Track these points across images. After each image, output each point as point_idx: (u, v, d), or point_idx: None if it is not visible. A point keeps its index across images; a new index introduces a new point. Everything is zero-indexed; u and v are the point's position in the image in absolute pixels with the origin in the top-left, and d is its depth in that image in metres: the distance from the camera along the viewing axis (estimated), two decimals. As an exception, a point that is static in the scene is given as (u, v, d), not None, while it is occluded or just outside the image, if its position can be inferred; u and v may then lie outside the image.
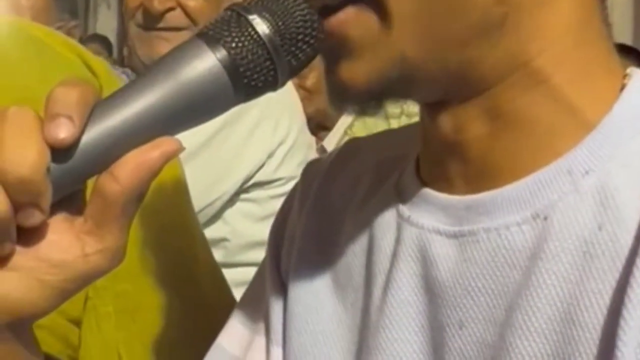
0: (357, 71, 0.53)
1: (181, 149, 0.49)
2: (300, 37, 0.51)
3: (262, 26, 0.51)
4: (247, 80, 0.50)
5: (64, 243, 0.49)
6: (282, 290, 0.68)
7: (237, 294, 1.19)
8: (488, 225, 0.54)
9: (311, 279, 0.65)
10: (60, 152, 0.47)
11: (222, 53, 0.50)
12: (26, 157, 0.46)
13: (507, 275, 0.53)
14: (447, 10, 0.52)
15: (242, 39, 0.50)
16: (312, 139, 2.83)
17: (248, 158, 1.47)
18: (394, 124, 2.24)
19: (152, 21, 1.54)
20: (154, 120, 0.49)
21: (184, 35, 1.54)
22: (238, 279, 1.49)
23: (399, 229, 0.59)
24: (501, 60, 0.53)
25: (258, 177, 1.49)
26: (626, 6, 4.65)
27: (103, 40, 5.87)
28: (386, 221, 0.60)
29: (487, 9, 0.52)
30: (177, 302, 0.85)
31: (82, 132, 0.48)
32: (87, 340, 0.79)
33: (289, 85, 1.74)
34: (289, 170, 1.50)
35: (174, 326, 0.85)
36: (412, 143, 0.62)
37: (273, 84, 0.52)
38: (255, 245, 1.48)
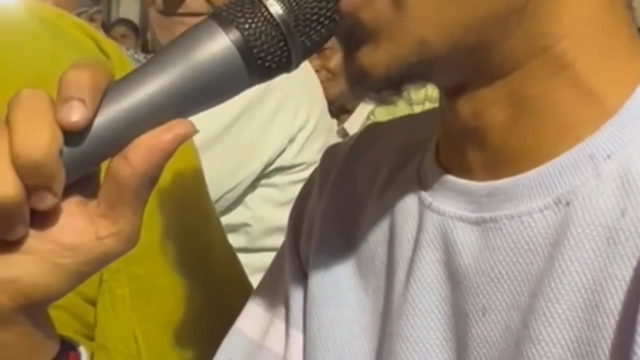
0: (376, 57, 0.53)
1: (194, 131, 0.49)
2: (314, 17, 0.51)
3: (275, 7, 0.50)
4: (260, 61, 0.50)
5: (78, 226, 0.49)
6: (302, 276, 0.68)
7: (259, 279, 1.20)
8: (510, 212, 0.54)
9: (332, 264, 0.65)
10: (72, 135, 0.47)
11: (235, 34, 0.49)
12: (38, 140, 0.46)
13: (530, 262, 0.53)
14: None
15: (256, 20, 0.50)
16: (333, 122, 2.83)
17: (269, 143, 1.47)
18: (418, 109, 2.23)
19: (172, 7, 1.54)
20: (166, 103, 0.49)
21: (204, 21, 1.53)
22: (260, 264, 1.49)
23: (420, 216, 0.59)
24: (522, 44, 0.53)
25: (279, 162, 1.48)
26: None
27: (130, 24, 5.89)
28: (407, 207, 0.60)
29: None
30: (192, 283, 0.86)
31: (94, 115, 0.48)
32: (103, 321, 0.80)
33: (309, 69, 1.74)
34: (309, 156, 1.50)
35: (189, 307, 0.85)
36: (432, 128, 0.62)
37: (287, 65, 0.51)
38: (276, 230, 1.48)
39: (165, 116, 0.49)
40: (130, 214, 0.49)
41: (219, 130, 1.43)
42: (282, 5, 0.50)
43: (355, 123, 2.77)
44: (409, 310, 0.58)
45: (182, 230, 0.85)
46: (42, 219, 0.49)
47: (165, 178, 0.85)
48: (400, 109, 2.25)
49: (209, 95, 0.50)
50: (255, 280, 1.31)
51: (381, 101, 0.57)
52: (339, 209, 0.67)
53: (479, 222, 0.55)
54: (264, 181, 1.49)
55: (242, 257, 1.47)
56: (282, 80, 1.69)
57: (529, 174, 0.54)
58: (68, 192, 0.49)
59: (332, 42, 0.56)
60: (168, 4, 1.53)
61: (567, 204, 0.52)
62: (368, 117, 2.62)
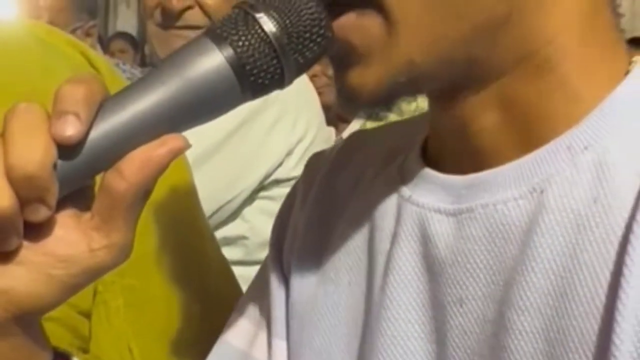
0: (366, 78, 0.54)
1: (187, 146, 0.50)
2: (307, 35, 0.51)
3: (269, 24, 0.51)
4: (253, 78, 0.51)
5: (71, 238, 0.50)
6: (284, 284, 0.68)
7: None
8: (486, 201, 0.54)
9: (312, 268, 0.66)
10: (67, 149, 0.48)
11: (228, 51, 0.50)
12: (33, 153, 0.47)
13: (504, 251, 0.53)
14: (451, 13, 0.52)
15: (249, 37, 0.50)
16: (331, 130, 2.82)
17: (267, 156, 1.47)
18: (409, 121, 2.24)
19: (170, 20, 1.54)
20: (161, 118, 0.49)
21: (202, 34, 1.53)
22: (258, 277, 1.50)
23: (399, 209, 0.60)
24: (508, 53, 0.53)
25: (277, 175, 1.49)
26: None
27: (128, 38, 5.90)
28: (387, 203, 0.61)
29: (491, 6, 0.52)
30: (186, 295, 0.86)
31: (89, 129, 0.48)
32: (97, 333, 0.80)
33: (306, 82, 1.74)
34: (307, 168, 1.49)
35: (184, 319, 0.85)
36: (418, 131, 0.62)
37: (280, 83, 0.52)
38: (274, 242, 1.48)
39: (159, 131, 0.49)
40: (124, 227, 0.50)
41: (217, 142, 1.43)
42: (275, 23, 0.51)
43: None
44: (388, 304, 0.58)
45: (176, 243, 0.86)
46: (36, 230, 0.49)
47: (158, 192, 0.85)
48: (391, 120, 2.26)
49: (203, 111, 0.51)
50: (253, 292, 1.31)
51: (372, 116, 0.58)
52: (322, 214, 0.67)
53: (455, 213, 0.56)
54: (261, 193, 1.49)
55: (239, 270, 1.47)
56: (280, 93, 1.69)
57: (508, 165, 0.54)
58: (62, 204, 0.50)
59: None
60: (166, 17, 1.54)
61: (541, 192, 0.52)
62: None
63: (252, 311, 0.71)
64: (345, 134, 2.72)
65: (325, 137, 1.62)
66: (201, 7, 1.53)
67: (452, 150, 0.57)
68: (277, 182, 1.49)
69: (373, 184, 0.64)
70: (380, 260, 0.60)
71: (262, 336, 0.69)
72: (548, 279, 0.51)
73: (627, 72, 0.55)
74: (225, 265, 0.96)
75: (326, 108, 2.96)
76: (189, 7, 1.54)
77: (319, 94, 2.99)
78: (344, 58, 0.54)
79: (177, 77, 0.49)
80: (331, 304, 0.63)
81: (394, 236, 0.59)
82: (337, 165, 0.68)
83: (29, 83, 0.76)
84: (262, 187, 1.49)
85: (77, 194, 0.50)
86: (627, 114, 0.53)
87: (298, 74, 0.52)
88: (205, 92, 0.50)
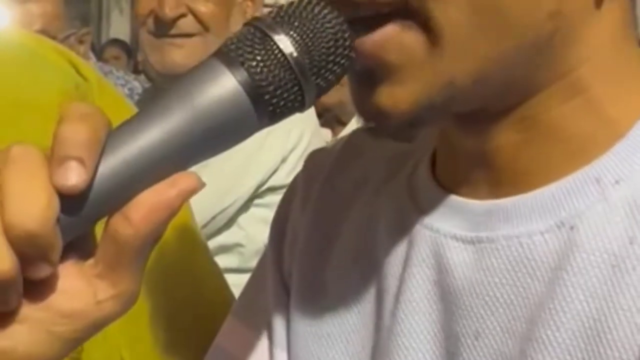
0: (399, 97, 0.49)
1: (201, 185, 0.44)
2: (330, 58, 0.46)
3: (289, 47, 0.45)
4: (272, 107, 0.45)
5: (75, 290, 0.45)
6: (285, 293, 0.65)
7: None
8: (509, 233, 0.52)
9: (315, 280, 0.62)
10: (70, 199, 0.43)
11: (243, 76, 0.45)
12: (34, 209, 0.42)
13: (528, 286, 0.51)
14: (499, 29, 0.48)
15: (267, 61, 0.45)
16: (327, 132, 2.81)
17: (261, 163, 1.47)
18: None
19: (163, 28, 1.53)
20: (170, 154, 0.44)
21: (196, 41, 1.53)
22: (253, 285, 1.49)
23: (411, 232, 0.57)
24: (543, 73, 0.51)
25: (272, 182, 1.48)
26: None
27: (122, 45, 5.90)
28: (398, 221, 0.58)
29: (539, 25, 0.49)
30: (179, 304, 0.85)
31: (94, 174, 0.43)
32: (89, 343, 0.79)
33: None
34: (302, 175, 1.49)
35: (177, 328, 0.84)
36: (423, 136, 0.59)
37: (300, 107, 0.47)
38: (269, 250, 1.48)
39: (168, 168, 0.44)
40: (131, 275, 0.45)
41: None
42: (295, 45, 0.46)
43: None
44: (398, 331, 0.56)
45: (167, 252, 0.85)
46: (37, 285, 0.45)
47: None
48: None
49: (215, 142, 0.45)
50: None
51: (396, 138, 0.54)
52: (325, 222, 0.64)
53: (474, 242, 0.53)
54: (256, 201, 1.49)
55: (235, 278, 1.46)
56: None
57: (531, 194, 0.51)
58: (63, 253, 0.45)
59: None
60: (159, 25, 1.53)
61: (572, 228, 0.50)
62: None
63: (249, 315, 0.68)
64: (344, 133, 2.72)
65: (320, 144, 1.62)
66: (194, 15, 1.53)
67: (467, 170, 0.54)
68: (272, 190, 1.49)
69: (379, 194, 0.61)
70: (392, 284, 0.57)
71: (260, 342, 0.66)
72: (580, 321, 0.48)
73: None
74: (217, 273, 0.96)
75: (326, 109, 2.95)
76: (182, 15, 1.53)
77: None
78: (373, 74, 0.49)
79: (186, 106, 0.44)
80: (338, 322, 0.60)
81: (406, 260, 0.56)
82: (339, 166, 0.65)
83: (16, 92, 0.75)
84: (257, 194, 1.48)
85: (78, 240, 0.46)
86: None
87: (319, 97, 0.48)
88: (218, 123, 0.44)
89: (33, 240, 0.42)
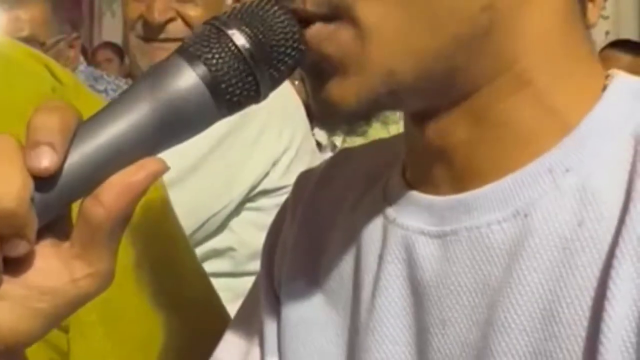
0: (345, 89, 0.52)
1: (166, 168, 0.49)
2: (281, 49, 0.51)
3: (241, 40, 0.50)
4: (229, 96, 0.50)
5: (52, 269, 0.48)
6: (276, 302, 0.68)
7: (246, 303, 1.19)
8: (470, 224, 0.54)
9: (303, 288, 0.65)
10: (43, 180, 0.47)
11: (202, 70, 0.49)
12: (9, 189, 0.45)
13: (488, 273, 0.53)
14: (432, 23, 0.51)
15: (223, 54, 0.49)
16: (323, 134, 2.80)
17: (253, 167, 1.47)
18: (393, 129, 2.23)
19: (152, 32, 1.53)
20: (137, 141, 0.49)
21: (185, 46, 1.52)
22: (246, 289, 1.48)
23: (385, 231, 0.59)
24: (486, 66, 0.53)
25: (263, 186, 1.48)
26: (631, 0, 4.63)
27: (115, 48, 5.89)
28: (373, 224, 0.61)
29: (473, 17, 0.52)
30: (164, 307, 0.85)
31: (65, 159, 0.47)
32: (75, 349, 0.79)
33: (291, 91, 1.73)
34: (294, 178, 1.48)
35: (162, 331, 0.85)
36: (400, 149, 0.62)
37: (255, 97, 0.51)
38: (262, 254, 1.47)
39: (136, 154, 0.48)
40: (105, 254, 0.49)
41: (203, 154, 1.42)
42: (247, 37, 0.50)
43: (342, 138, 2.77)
44: (374, 326, 0.58)
45: (151, 255, 0.85)
46: (16, 264, 0.48)
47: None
48: (375, 129, 2.25)
49: (179, 131, 0.50)
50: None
51: (351, 132, 0.57)
52: (310, 232, 0.67)
53: (439, 235, 0.56)
54: (248, 205, 1.49)
55: (228, 282, 1.46)
56: (265, 103, 1.68)
57: (489, 187, 0.54)
58: (40, 234, 0.48)
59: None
60: (148, 30, 1.53)
61: (526, 215, 0.52)
62: (344, 140, 2.61)
63: (245, 330, 0.71)
64: (337, 138, 2.71)
65: (311, 147, 1.62)
66: (183, 19, 1.53)
67: (430, 169, 0.57)
68: (264, 193, 1.48)
69: (358, 206, 0.63)
70: (368, 283, 0.60)
71: (255, 354, 0.69)
72: (535, 302, 0.50)
73: (604, 87, 0.55)
74: (202, 275, 0.96)
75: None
76: (171, 20, 1.53)
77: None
78: (320, 69, 0.53)
79: (152, 98, 0.49)
80: (321, 327, 0.63)
81: (380, 258, 0.59)
82: (321, 184, 0.68)
83: None
84: (249, 198, 1.48)
85: (54, 222, 0.49)
86: (607, 135, 0.52)
87: (273, 87, 0.52)
88: (181, 113, 0.49)
89: (9, 217, 0.45)
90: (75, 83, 0.86)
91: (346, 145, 2.51)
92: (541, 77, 0.53)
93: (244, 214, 1.49)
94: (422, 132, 0.56)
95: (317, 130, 2.75)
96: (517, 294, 0.51)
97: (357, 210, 0.63)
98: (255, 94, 0.51)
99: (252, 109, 1.69)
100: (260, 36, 0.50)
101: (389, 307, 0.58)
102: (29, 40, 1.93)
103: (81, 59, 2.46)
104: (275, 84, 0.52)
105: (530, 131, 0.53)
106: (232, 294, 1.41)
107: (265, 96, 0.52)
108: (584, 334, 0.48)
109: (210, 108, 0.50)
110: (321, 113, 0.55)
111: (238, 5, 0.52)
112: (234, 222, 1.48)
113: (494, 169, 0.54)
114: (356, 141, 2.42)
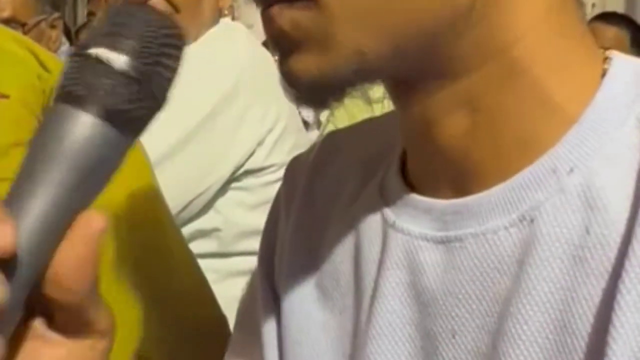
0: (308, 64, 0.50)
1: (105, 223, 0.45)
2: (154, 46, 0.46)
3: (118, 60, 0.46)
4: (130, 119, 0.46)
5: (58, 353, 0.46)
6: (275, 304, 0.65)
7: (234, 284, 1.18)
8: (475, 230, 0.52)
9: (301, 286, 0.63)
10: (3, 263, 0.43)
11: (94, 108, 0.45)
12: None
13: (497, 282, 0.51)
14: (404, 5, 0.49)
15: (105, 82, 0.45)
16: (310, 113, 2.78)
17: (238, 146, 1.45)
18: (377, 108, 2.22)
19: (133, 10, 1.51)
20: (64, 206, 0.45)
21: (167, 24, 1.51)
22: (233, 269, 1.48)
23: (384, 235, 0.57)
24: (472, 49, 0.51)
25: (249, 165, 1.47)
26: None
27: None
28: (371, 225, 0.58)
29: (454, 1, 0.49)
30: (152, 298, 0.85)
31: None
32: None
33: (276, 70, 1.71)
34: (279, 157, 1.48)
35: (151, 322, 0.84)
36: (395, 137, 0.59)
37: (158, 105, 0.47)
38: (248, 234, 1.46)
39: (70, 215, 0.45)
40: (95, 316, 0.46)
41: (186, 135, 1.41)
42: (122, 53, 0.46)
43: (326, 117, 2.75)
44: (374, 334, 0.56)
45: (139, 246, 0.85)
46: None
47: (117, 194, 0.84)
48: (359, 108, 2.23)
49: (100, 174, 0.47)
50: (228, 286, 1.30)
51: (320, 105, 0.54)
52: (306, 227, 0.64)
53: (444, 241, 0.53)
54: (234, 184, 1.47)
55: (214, 263, 1.46)
56: (249, 82, 1.67)
57: (493, 190, 0.52)
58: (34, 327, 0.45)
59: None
60: (129, 7, 1.51)
61: (532, 220, 0.50)
62: (328, 120, 2.59)
63: (245, 326, 0.69)
64: (324, 115, 2.70)
65: (297, 126, 1.60)
66: (163, -5, 1.51)
67: (427, 166, 0.55)
68: (249, 173, 1.47)
69: (354, 202, 0.61)
70: (367, 288, 0.58)
71: (254, 349, 0.66)
72: (546, 312, 0.49)
73: (603, 72, 0.52)
74: (191, 262, 0.95)
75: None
76: (152, -3, 1.51)
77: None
78: (282, 44, 0.51)
79: (61, 158, 0.45)
80: (320, 329, 0.61)
81: (380, 263, 0.57)
82: (315, 174, 0.65)
83: None
84: (234, 178, 1.47)
85: (40, 308, 0.46)
86: (610, 125, 0.50)
87: (170, 84, 0.48)
88: (95, 158, 0.46)
89: None
90: (61, 67, 0.85)
91: (330, 125, 2.48)
92: (537, 64, 0.51)
93: (230, 194, 1.48)
94: (410, 119, 0.54)
95: (303, 108, 2.74)
96: (527, 304, 0.49)
97: (353, 205, 0.61)
98: (155, 105, 0.47)
99: (236, 88, 1.68)
100: (128, 42, 0.46)
101: (390, 315, 0.55)
102: (9, 21, 1.91)
103: (64, 39, 2.43)
104: (170, 80, 0.47)
105: (529, 126, 0.51)
106: (217, 275, 1.40)
107: (166, 98, 0.48)
108: (592, 346, 0.47)
109: (118, 140, 0.46)
110: (287, 83, 0.52)
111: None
112: (220, 202, 1.47)
113: (494, 169, 0.52)
114: (342, 117, 2.40)
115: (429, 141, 0.53)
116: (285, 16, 0.50)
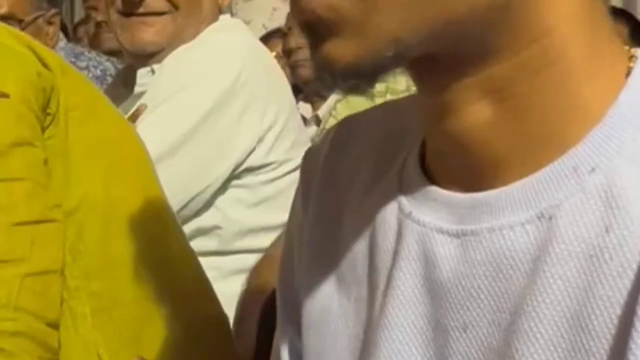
0: (345, 50, 0.50)
1: None
2: None
3: None
4: None
5: None
6: (292, 326, 0.66)
7: (235, 281, 1.17)
8: (491, 225, 0.51)
9: (320, 274, 0.63)
10: None
11: None
12: None
13: (510, 278, 0.51)
14: None
15: None
16: (308, 107, 2.77)
17: (238, 144, 1.45)
18: (379, 102, 2.21)
19: (131, 7, 1.51)
20: None
21: (165, 20, 1.50)
22: (234, 267, 1.47)
23: (400, 225, 0.56)
24: (507, 38, 0.50)
25: (249, 163, 1.46)
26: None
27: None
28: (387, 215, 0.58)
29: None
30: (155, 295, 0.85)
31: None
32: (66, 342, 0.78)
33: (276, 66, 1.70)
34: (279, 155, 1.47)
35: (154, 319, 0.84)
36: (412, 117, 0.59)
37: None
38: (249, 231, 1.46)
39: None
40: None
41: (186, 132, 1.40)
42: None
43: (326, 110, 2.73)
44: (386, 324, 0.56)
45: (143, 245, 0.84)
46: None
47: (121, 194, 0.84)
48: (360, 102, 2.22)
49: None
50: (229, 283, 1.29)
51: (352, 90, 0.54)
52: (325, 213, 0.64)
53: (459, 235, 0.53)
54: (234, 182, 1.47)
55: (215, 260, 1.45)
56: (248, 79, 1.66)
57: (512, 186, 0.51)
58: None
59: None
60: (127, 4, 1.50)
61: (550, 218, 0.50)
62: (330, 114, 2.58)
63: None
64: (322, 111, 2.68)
65: (297, 123, 1.59)
66: (163, -8, 1.50)
67: (450, 161, 0.54)
68: (250, 170, 1.47)
69: (372, 189, 0.60)
70: (382, 278, 0.57)
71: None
72: (562, 311, 0.48)
73: (628, 71, 0.52)
74: (192, 260, 0.95)
75: (306, 83, 2.91)
76: (150, -8, 1.50)
77: (299, 67, 2.92)
78: (316, 28, 0.50)
79: None
80: (338, 319, 0.61)
81: (395, 254, 0.56)
82: (333, 157, 0.65)
83: None
84: (234, 175, 1.46)
85: None
86: (633, 126, 0.50)
87: None
88: None
89: None
90: (61, 64, 0.85)
91: (331, 119, 2.47)
92: (569, 54, 0.50)
93: (230, 192, 1.47)
94: (435, 105, 0.53)
95: (301, 104, 2.72)
96: (541, 302, 0.49)
97: (370, 193, 0.60)
98: None
99: (236, 85, 1.67)
100: None
101: (402, 306, 0.55)
102: (7, 17, 1.90)
103: (61, 35, 2.42)
104: None
105: (553, 123, 0.50)
106: (218, 273, 1.40)
107: None
108: (612, 348, 0.46)
109: None
110: (318, 68, 0.52)
111: None
112: (220, 200, 1.47)
113: (516, 164, 0.51)
114: (344, 111, 2.39)
115: (449, 129, 0.53)
116: (322, 1, 0.49)
